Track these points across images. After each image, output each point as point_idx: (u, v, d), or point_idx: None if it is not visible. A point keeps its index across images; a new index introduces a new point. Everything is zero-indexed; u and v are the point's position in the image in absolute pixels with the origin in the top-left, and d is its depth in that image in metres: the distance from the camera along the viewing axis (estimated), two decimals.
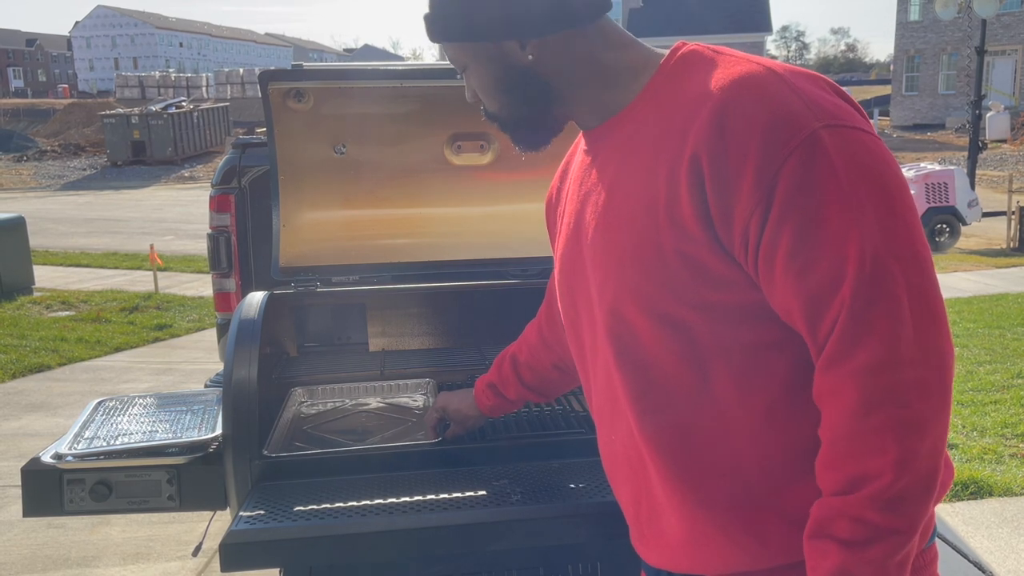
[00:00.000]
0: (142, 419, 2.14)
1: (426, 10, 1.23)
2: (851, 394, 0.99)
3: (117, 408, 2.23)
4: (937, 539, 1.15)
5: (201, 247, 4.86)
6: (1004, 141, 26.79)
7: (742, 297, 1.09)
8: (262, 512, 1.64)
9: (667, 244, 1.09)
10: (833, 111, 1.04)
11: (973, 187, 14.13)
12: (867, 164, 1.01)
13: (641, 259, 1.12)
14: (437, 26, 1.23)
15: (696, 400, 1.13)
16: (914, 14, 35.11)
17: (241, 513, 1.64)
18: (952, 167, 14.64)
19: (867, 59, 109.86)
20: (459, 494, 1.70)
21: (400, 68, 2.45)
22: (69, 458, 1.86)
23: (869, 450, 0.98)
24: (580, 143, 1.33)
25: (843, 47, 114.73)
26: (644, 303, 1.13)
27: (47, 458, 1.87)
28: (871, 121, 1.14)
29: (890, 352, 0.97)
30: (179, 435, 1.99)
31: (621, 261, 1.15)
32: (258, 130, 23.12)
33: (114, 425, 2.08)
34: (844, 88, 1.12)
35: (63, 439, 1.97)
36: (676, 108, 1.11)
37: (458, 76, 1.30)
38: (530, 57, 1.20)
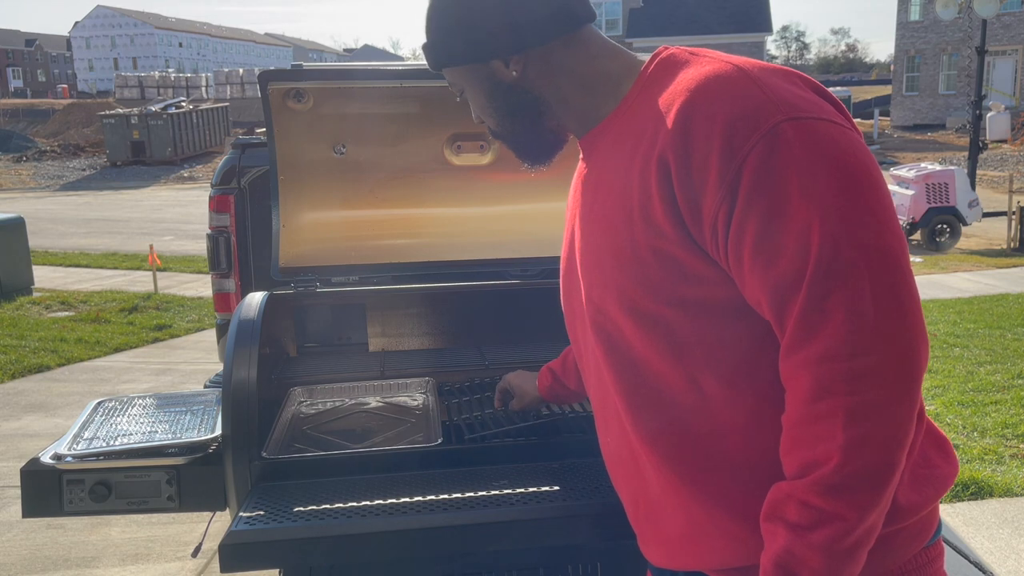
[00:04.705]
0: (141, 419, 2.13)
1: (423, 40, 1.31)
2: (804, 381, 1.00)
3: (116, 408, 2.23)
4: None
5: (201, 247, 4.86)
6: (1004, 141, 26.76)
7: (719, 293, 1.10)
8: (261, 513, 1.64)
9: (642, 242, 1.11)
10: (799, 104, 1.04)
11: (974, 187, 14.13)
12: (831, 155, 1.01)
13: (618, 258, 1.15)
14: (430, 56, 1.31)
15: (683, 396, 1.14)
16: (914, 14, 35.09)
17: (241, 514, 1.64)
18: (953, 167, 14.64)
19: (867, 59, 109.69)
20: (459, 494, 1.70)
21: (400, 68, 2.45)
22: (68, 459, 1.86)
23: (818, 436, 0.99)
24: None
25: (843, 47, 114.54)
26: (624, 301, 1.15)
27: (46, 459, 1.87)
28: (852, 118, 1.13)
29: (845, 341, 0.97)
30: (178, 436, 1.99)
31: (602, 260, 1.18)
32: (258, 130, 23.09)
33: (113, 425, 2.08)
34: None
35: (62, 439, 1.97)
36: (650, 112, 1.14)
37: (457, 99, 1.37)
38: (514, 73, 1.25)
